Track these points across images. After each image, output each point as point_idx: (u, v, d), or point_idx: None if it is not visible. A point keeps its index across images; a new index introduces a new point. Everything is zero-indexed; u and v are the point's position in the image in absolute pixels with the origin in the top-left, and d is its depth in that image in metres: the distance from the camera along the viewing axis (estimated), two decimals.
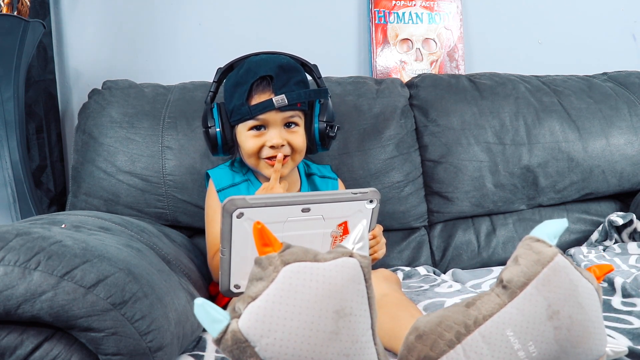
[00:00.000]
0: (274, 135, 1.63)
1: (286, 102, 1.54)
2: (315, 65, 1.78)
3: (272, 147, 1.63)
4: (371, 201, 1.29)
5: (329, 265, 0.86)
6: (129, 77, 2.20)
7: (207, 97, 1.74)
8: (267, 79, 1.59)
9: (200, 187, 1.92)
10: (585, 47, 2.99)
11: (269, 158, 1.66)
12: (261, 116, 1.60)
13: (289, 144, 1.66)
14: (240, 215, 1.19)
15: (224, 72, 1.76)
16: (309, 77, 1.75)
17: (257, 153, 1.66)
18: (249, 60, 1.67)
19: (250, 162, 1.70)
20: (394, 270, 2.03)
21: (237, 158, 1.81)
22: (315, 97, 1.66)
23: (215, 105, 1.69)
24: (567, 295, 0.90)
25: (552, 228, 0.97)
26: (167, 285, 1.26)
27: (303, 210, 1.24)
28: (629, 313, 1.46)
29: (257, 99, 1.59)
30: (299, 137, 1.67)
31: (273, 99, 1.55)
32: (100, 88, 2.10)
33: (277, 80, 1.58)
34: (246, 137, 1.65)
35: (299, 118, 1.67)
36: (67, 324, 1.02)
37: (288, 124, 1.65)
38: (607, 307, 1.52)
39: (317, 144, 1.73)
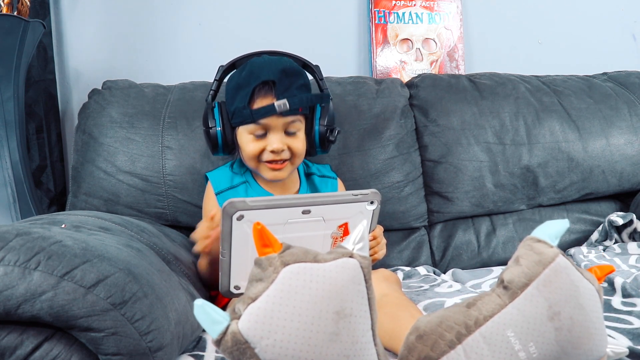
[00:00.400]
0: (275, 140, 1.62)
1: (288, 107, 1.53)
2: (317, 67, 1.78)
3: (272, 151, 1.63)
4: (372, 202, 1.29)
5: (329, 266, 0.85)
6: (129, 77, 2.21)
7: (208, 96, 1.73)
8: (269, 83, 1.58)
9: (200, 187, 1.92)
10: (585, 47, 2.99)
11: (270, 161, 1.66)
12: (262, 120, 1.59)
13: (289, 148, 1.66)
14: (240, 218, 1.19)
15: (226, 71, 1.76)
16: (310, 77, 1.75)
17: (258, 156, 1.66)
18: (251, 62, 1.66)
19: (250, 164, 1.70)
20: (394, 270, 2.03)
21: (237, 159, 1.81)
22: (317, 101, 1.66)
23: (217, 105, 1.69)
24: (568, 296, 0.89)
25: (553, 228, 0.97)
26: (167, 285, 1.26)
27: (303, 212, 1.24)
28: (629, 313, 1.46)
29: (259, 103, 1.58)
30: (299, 142, 1.67)
31: (275, 104, 1.53)
32: (100, 88, 2.10)
33: (279, 85, 1.56)
34: (247, 140, 1.65)
35: (299, 122, 1.67)
36: (67, 324, 1.02)
37: (289, 128, 1.65)
38: (607, 307, 1.52)
39: (317, 147, 1.73)
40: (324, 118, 1.70)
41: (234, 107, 1.62)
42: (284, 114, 1.57)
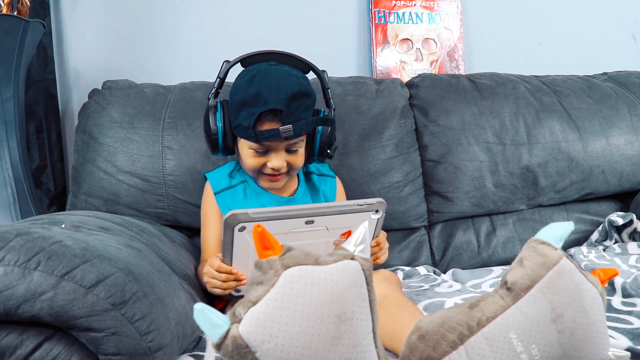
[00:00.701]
0: (276, 159, 1.62)
1: (292, 133, 1.52)
2: (324, 72, 1.77)
3: (272, 168, 1.63)
4: (377, 211, 1.29)
5: (330, 268, 0.85)
6: (129, 77, 2.20)
7: (209, 94, 1.70)
8: (276, 111, 1.54)
9: (200, 187, 1.91)
10: (585, 47, 2.99)
11: (269, 174, 1.66)
12: (266, 142, 1.59)
13: (288, 163, 1.66)
14: (242, 229, 1.19)
15: (231, 67, 1.73)
16: (313, 76, 1.75)
17: (257, 169, 1.66)
18: (259, 78, 1.59)
19: (249, 173, 1.71)
20: (394, 270, 2.03)
21: (236, 160, 1.80)
22: (322, 124, 1.66)
23: (219, 104, 1.67)
24: (571, 299, 0.89)
25: (558, 230, 0.96)
26: (167, 285, 1.26)
27: (307, 223, 1.24)
28: (629, 313, 1.46)
29: (264, 126, 1.56)
30: (299, 158, 1.68)
31: (280, 129, 1.51)
32: (100, 88, 2.10)
33: (286, 112, 1.53)
34: (247, 154, 1.64)
35: (301, 141, 1.67)
36: (67, 324, 1.02)
37: (290, 148, 1.64)
38: (608, 307, 1.52)
39: (315, 158, 1.75)
40: (325, 135, 1.70)
41: (238, 122, 1.59)
42: (287, 138, 1.56)
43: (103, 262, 1.09)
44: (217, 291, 1.46)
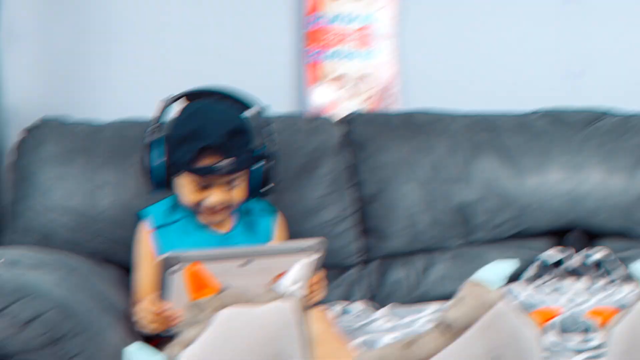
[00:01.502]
0: (216, 196, 1.63)
1: (232, 168, 1.55)
2: (265, 108, 1.81)
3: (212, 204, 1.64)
4: (316, 251, 1.30)
5: (264, 309, 0.85)
6: (66, 113, 2.21)
7: (147, 130, 1.70)
8: (214, 146, 1.57)
9: (136, 224, 1.91)
10: (521, 84, 3.01)
11: (209, 209, 1.67)
12: (206, 177, 1.60)
13: (228, 199, 1.66)
14: (175, 271, 1.20)
15: (167, 106, 1.73)
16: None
17: (197, 204, 1.66)
18: (199, 115, 1.64)
19: (188, 207, 1.71)
20: (330, 306, 2.02)
21: (175, 195, 1.79)
22: (262, 160, 1.68)
23: (157, 140, 1.66)
24: (508, 341, 0.90)
25: (499, 269, 0.98)
26: (103, 321, 1.26)
27: (244, 264, 1.24)
28: (565, 349, 1.48)
29: (203, 162, 1.58)
30: (240, 193, 1.69)
31: (219, 164, 1.54)
32: (35, 125, 2.11)
33: (224, 147, 1.56)
34: (187, 189, 1.65)
35: (241, 177, 1.68)
36: None
37: (231, 183, 1.65)
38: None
39: (255, 195, 1.76)
40: (265, 171, 1.73)
41: (178, 158, 1.61)
42: (227, 173, 1.57)
43: (39, 298, 1.09)
44: (151, 327, 1.46)
